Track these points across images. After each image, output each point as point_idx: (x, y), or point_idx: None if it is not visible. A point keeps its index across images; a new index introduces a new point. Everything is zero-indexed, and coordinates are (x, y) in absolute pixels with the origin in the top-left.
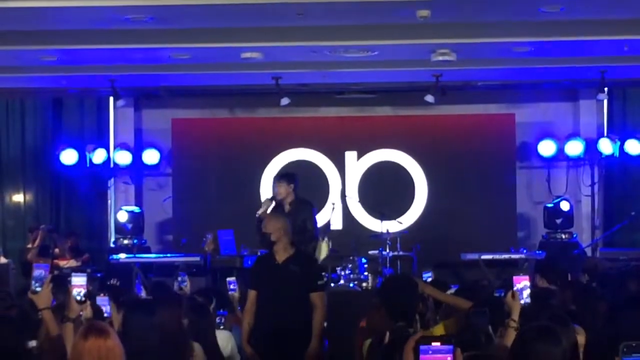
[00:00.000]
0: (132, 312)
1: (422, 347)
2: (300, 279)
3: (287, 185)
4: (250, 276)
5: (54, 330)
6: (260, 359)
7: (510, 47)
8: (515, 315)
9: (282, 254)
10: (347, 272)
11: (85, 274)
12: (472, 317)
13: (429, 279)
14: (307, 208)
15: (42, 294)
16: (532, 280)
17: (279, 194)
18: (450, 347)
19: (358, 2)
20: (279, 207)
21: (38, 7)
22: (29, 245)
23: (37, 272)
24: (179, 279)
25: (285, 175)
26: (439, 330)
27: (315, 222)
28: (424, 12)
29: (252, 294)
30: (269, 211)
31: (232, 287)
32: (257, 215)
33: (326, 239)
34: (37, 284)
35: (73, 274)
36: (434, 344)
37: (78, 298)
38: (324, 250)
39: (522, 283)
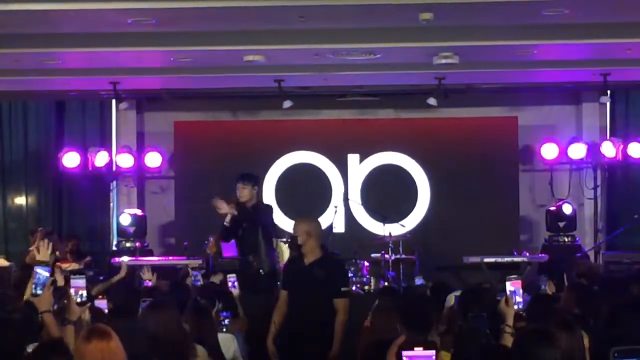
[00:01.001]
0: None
1: (404, 353)
2: (324, 284)
3: (252, 188)
4: (282, 276)
5: (55, 333)
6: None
7: (513, 50)
8: (510, 321)
9: (309, 256)
10: (350, 275)
11: (83, 276)
12: (472, 322)
13: (420, 282)
14: (268, 211)
15: (42, 297)
16: (532, 284)
17: (242, 197)
18: (432, 352)
19: (360, 5)
20: (242, 210)
21: (40, 10)
22: (31, 248)
23: (37, 276)
24: (192, 277)
25: (249, 176)
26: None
27: (273, 226)
28: (427, 15)
29: (282, 294)
30: (228, 218)
31: (231, 283)
32: (224, 224)
33: (284, 240)
34: (38, 287)
35: (72, 276)
36: (416, 349)
37: (79, 300)
38: (285, 253)
39: (516, 287)
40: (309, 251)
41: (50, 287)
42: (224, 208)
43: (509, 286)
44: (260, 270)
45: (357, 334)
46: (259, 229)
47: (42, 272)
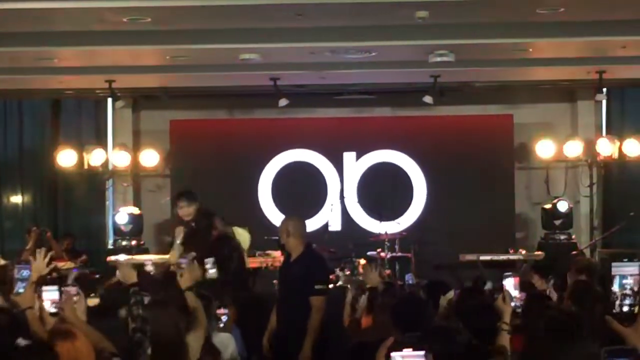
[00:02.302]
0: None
1: (393, 354)
2: (302, 281)
3: (188, 206)
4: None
5: (39, 329)
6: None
7: (509, 48)
8: (507, 318)
9: (293, 254)
10: (346, 273)
11: (56, 287)
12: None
13: (410, 281)
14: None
15: (25, 295)
16: (527, 281)
17: (184, 215)
18: (422, 353)
19: (356, 3)
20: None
21: (36, 9)
22: (28, 247)
23: (20, 273)
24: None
25: (186, 194)
26: None
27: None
28: (423, 13)
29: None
30: (178, 240)
31: (208, 266)
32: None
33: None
34: (20, 285)
35: (44, 287)
36: (405, 350)
37: (52, 311)
38: (246, 238)
39: (512, 285)
40: (292, 249)
41: (32, 285)
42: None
43: (506, 283)
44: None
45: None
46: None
47: (24, 271)
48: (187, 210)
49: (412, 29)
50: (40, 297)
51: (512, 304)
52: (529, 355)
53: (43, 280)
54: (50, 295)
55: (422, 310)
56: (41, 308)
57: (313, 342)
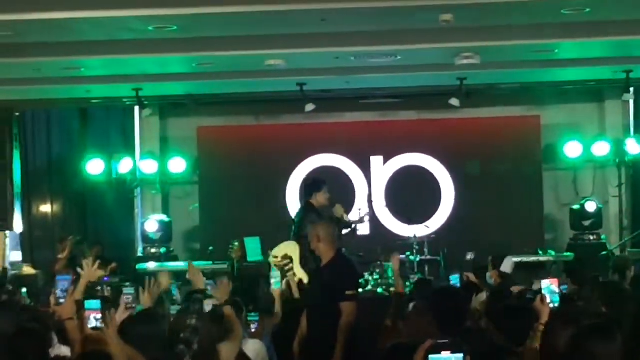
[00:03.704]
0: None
1: (431, 357)
2: (332, 287)
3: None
4: None
5: (78, 340)
6: None
7: (534, 49)
8: (544, 319)
9: (324, 260)
10: (375, 277)
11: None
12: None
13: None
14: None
15: (65, 305)
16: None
17: (325, 200)
18: (461, 356)
19: (381, 7)
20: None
21: (62, 19)
22: (60, 256)
23: (60, 284)
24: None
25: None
26: None
27: None
28: (447, 16)
29: None
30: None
31: (274, 280)
32: None
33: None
34: (61, 296)
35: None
36: (443, 353)
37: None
38: (340, 210)
39: (551, 286)
40: (322, 255)
41: (72, 295)
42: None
43: (544, 284)
44: None
45: (380, 336)
46: None
47: (64, 282)
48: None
49: (436, 32)
50: (82, 309)
51: (550, 305)
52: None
53: (88, 294)
54: (93, 308)
55: (460, 302)
56: (84, 319)
57: (344, 347)
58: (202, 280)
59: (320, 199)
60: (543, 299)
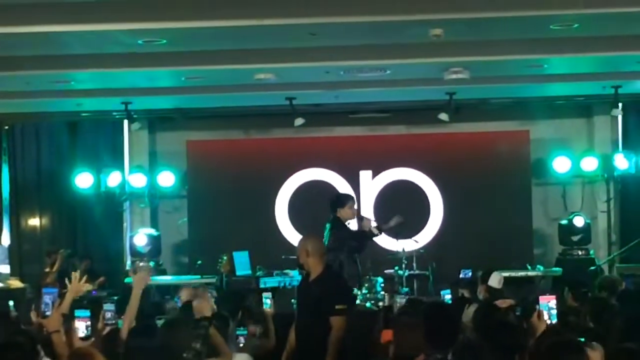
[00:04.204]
0: (135, 336)
1: None
2: (321, 301)
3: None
4: None
5: (64, 353)
6: None
7: (523, 64)
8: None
9: (312, 274)
10: (364, 291)
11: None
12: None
13: (447, 296)
14: None
15: (51, 318)
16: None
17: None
18: None
19: (370, 22)
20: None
21: (51, 32)
22: (47, 270)
23: (46, 297)
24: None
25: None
26: None
27: None
28: (437, 31)
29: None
30: None
31: (268, 301)
32: None
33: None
34: (47, 309)
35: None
36: None
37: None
38: (368, 223)
39: (549, 302)
40: (311, 269)
41: (58, 308)
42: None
43: (542, 301)
44: None
45: (370, 351)
46: None
47: (50, 294)
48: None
49: (426, 47)
50: (72, 320)
51: (548, 321)
52: None
53: (77, 305)
54: (82, 317)
55: (451, 317)
56: (72, 331)
57: None
58: (209, 307)
59: (344, 214)
60: (540, 315)
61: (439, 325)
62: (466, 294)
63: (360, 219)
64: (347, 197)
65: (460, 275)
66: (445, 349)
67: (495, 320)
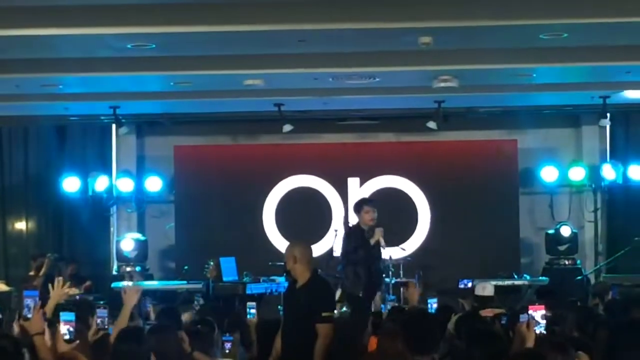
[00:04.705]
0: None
1: None
2: (308, 308)
3: (373, 211)
4: None
5: (47, 355)
6: None
7: (512, 73)
8: (530, 344)
9: (299, 281)
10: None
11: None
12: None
13: (434, 304)
14: None
15: (33, 321)
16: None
17: (371, 219)
18: None
19: (360, 29)
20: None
21: (40, 35)
22: (32, 273)
23: (27, 300)
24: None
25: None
26: None
27: None
28: (426, 39)
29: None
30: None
31: (252, 311)
32: None
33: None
34: (28, 311)
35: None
36: None
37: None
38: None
39: (538, 312)
40: (298, 275)
41: (39, 311)
42: None
43: (531, 310)
44: None
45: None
46: None
47: (31, 297)
48: (374, 215)
49: (415, 55)
50: (57, 323)
51: (537, 330)
52: None
53: (61, 307)
54: (67, 320)
55: (432, 326)
56: (57, 333)
57: None
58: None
59: (362, 219)
60: (529, 324)
61: (420, 334)
62: (466, 305)
63: (373, 228)
64: (361, 202)
65: (460, 286)
66: (427, 355)
67: (476, 329)
